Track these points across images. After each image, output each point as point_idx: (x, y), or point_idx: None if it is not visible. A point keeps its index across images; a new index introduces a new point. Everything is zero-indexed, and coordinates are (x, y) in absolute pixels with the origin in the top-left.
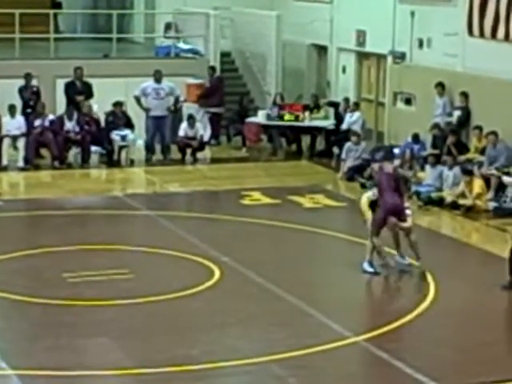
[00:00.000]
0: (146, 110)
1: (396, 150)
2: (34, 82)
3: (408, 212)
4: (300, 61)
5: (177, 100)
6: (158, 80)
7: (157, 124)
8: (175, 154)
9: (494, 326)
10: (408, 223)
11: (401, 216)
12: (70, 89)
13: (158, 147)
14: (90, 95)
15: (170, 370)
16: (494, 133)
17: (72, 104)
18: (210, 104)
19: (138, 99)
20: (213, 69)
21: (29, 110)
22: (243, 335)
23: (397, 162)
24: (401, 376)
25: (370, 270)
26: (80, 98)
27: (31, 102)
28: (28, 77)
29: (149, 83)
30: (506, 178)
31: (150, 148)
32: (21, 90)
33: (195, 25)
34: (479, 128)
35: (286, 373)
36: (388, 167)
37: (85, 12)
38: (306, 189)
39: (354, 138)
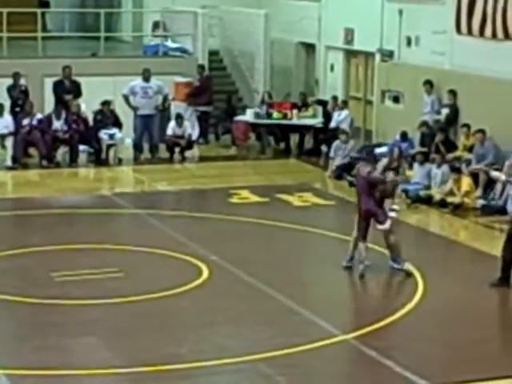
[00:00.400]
0: (134, 109)
1: (382, 149)
2: (23, 81)
3: (392, 214)
4: (288, 59)
5: (165, 99)
6: (146, 79)
7: (145, 123)
8: (163, 152)
9: (483, 324)
10: (384, 226)
11: (376, 218)
12: (58, 88)
13: (146, 146)
14: (79, 94)
15: (158, 369)
16: (482, 131)
17: (60, 103)
18: (198, 103)
19: (126, 98)
20: (202, 67)
21: (17, 109)
22: (232, 334)
23: (385, 160)
24: (390, 374)
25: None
26: (68, 96)
27: (20, 101)
28: (16, 76)
29: (137, 82)
30: (493, 173)
31: (138, 147)
32: (9, 89)
33: (183, 23)
34: (467, 126)
35: (275, 371)
36: (363, 171)
37: (73, 11)
38: (294, 187)
39: (342, 137)
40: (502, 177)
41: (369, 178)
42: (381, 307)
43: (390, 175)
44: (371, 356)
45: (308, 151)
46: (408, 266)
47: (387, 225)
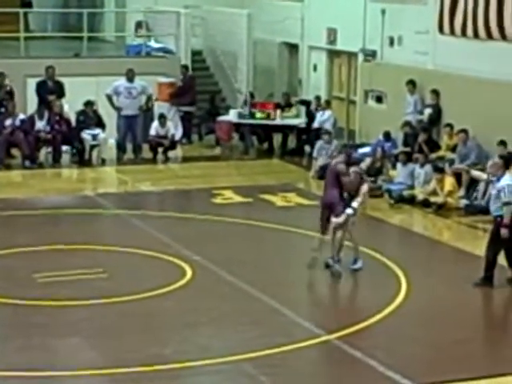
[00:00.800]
0: (118, 109)
1: (366, 149)
2: (7, 82)
3: (348, 211)
4: (271, 59)
5: (149, 99)
6: (130, 79)
7: (128, 123)
8: (147, 153)
9: (467, 324)
10: (337, 219)
11: (333, 211)
12: (41, 88)
13: (129, 146)
14: (62, 94)
15: (143, 370)
16: (465, 131)
17: (43, 103)
18: (182, 103)
19: (109, 98)
20: (186, 68)
21: (2, 110)
22: (215, 334)
23: (368, 160)
24: (373, 374)
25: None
26: (52, 97)
27: (5, 101)
28: (1, 76)
29: (121, 82)
30: (474, 172)
31: (121, 147)
32: None
33: (166, 23)
34: (450, 126)
35: (258, 371)
36: (334, 162)
37: (55, 11)
38: (277, 187)
39: (325, 137)
40: (483, 176)
41: (336, 168)
42: (364, 307)
43: (365, 187)
44: (354, 356)
45: (291, 151)
46: (338, 268)
47: (340, 219)
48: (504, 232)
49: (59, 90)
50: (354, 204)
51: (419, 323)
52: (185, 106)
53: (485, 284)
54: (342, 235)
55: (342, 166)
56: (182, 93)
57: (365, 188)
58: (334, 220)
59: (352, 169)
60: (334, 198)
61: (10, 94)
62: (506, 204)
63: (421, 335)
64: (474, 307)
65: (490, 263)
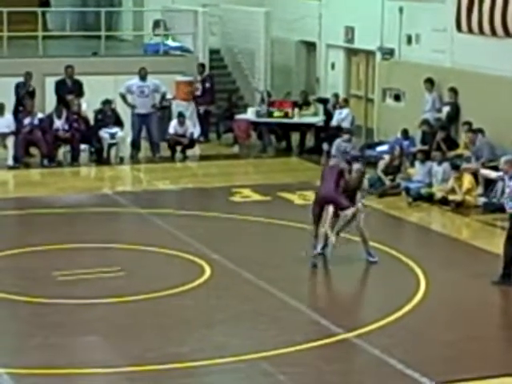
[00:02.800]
0: (132, 107)
1: (384, 147)
2: (32, 83)
3: (359, 204)
4: (289, 57)
5: (163, 97)
6: (143, 77)
7: (143, 121)
8: (165, 151)
9: (485, 322)
10: (347, 212)
11: (338, 204)
12: (60, 87)
13: (146, 144)
14: (81, 94)
15: (160, 368)
16: (472, 130)
17: (62, 102)
18: (201, 102)
19: (123, 96)
20: (202, 66)
21: (21, 108)
22: (233, 332)
23: (386, 157)
24: (392, 372)
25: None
26: (70, 96)
27: (24, 100)
28: (28, 76)
29: (134, 81)
30: (483, 171)
31: (135, 145)
32: (17, 86)
33: (184, 22)
34: (468, 124)
35: (276, 370)
36: (333, 161)
37: (73, 10)
38: (295, 185)
39: (345, 136)
40: (492, 174)
41: (340, 166)
42: (382, 305)
43: (359, 205)
44: (373, 354)
45: (309, 149)
46: (315, 261)
47: (350, 211)
48: None
49: (78, 90)
50: (363, 200)
51: (438, 321)
52: (204, 104)
53: (503, 282)
54: (326, 230)
55: (345, 164)
56: (202, 93)
57: (365, 183)
58: (345, 212)
59: (355, 166)
60: (336, 193)
61: (32, 94)
62: None
63: (439, 333)
64: (493, 305)
65: (508, 261)
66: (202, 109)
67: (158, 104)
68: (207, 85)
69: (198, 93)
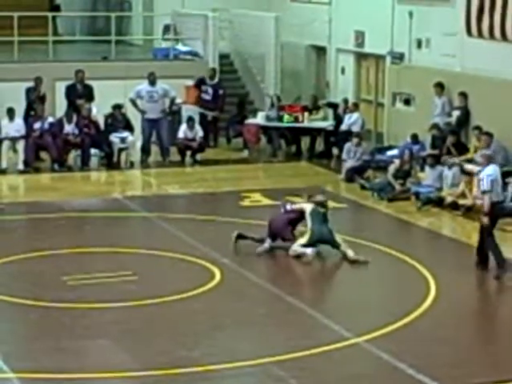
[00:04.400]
0: (142, 112)
1: (394, 151)
2: (42, 88)
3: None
4: (299, 62)
5: (172, 102)
6: (152, 82)
7: (152, 126)
8: (174, 155)
9: (496, 326)
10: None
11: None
12: (70, 92)
13: (156, 149)
14: (91, 98)
15: (171, 372)
16: (488, 134)
17: (72, 107)
18: (210, 108)
19: (133, 102)
20: (214, 71)
21: (32, 113)
22: (244, 337)
23: (396, 162)
24: (402, 377)
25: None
26: (81, 101)
27: (35, 105)
28: (38, 80)
29: (143, 86)
30: (467, 166)
31: (145, 150)
32: (28, 91)
33: (194, 27)
34: (479, 128)
35: (287, 374)
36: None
37: (83, 15)
38: (305, 190)
39: (355, 140)
40: (475, 169)
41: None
42: (393, 310)
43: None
44: (383, 359)
45: (319, 154)
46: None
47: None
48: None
49: (88, 94)
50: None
51: (448, 325)
52: (214, 110)
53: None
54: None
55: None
56: (212, 98)
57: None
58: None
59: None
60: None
61: (42, 98)
62: (484, 192)
63: (450, 338)
64: (503, 309)
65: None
66: (210, 114)
67: (167, 109)
68: (220, 91)
69: (208, 97)
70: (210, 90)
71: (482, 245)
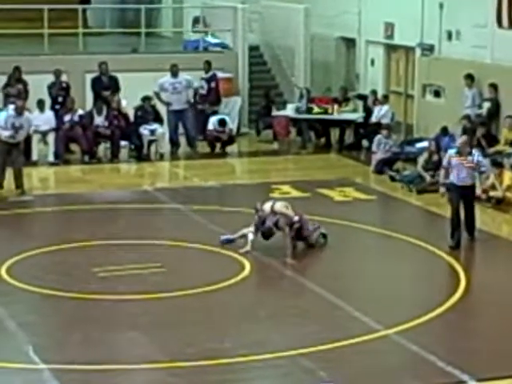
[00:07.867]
0: (167, 104)
1: (424, 143)
2: (64, 78)
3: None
4: (328, 54)
5: (195, 93)
6: (174, 74)
7: (178, 118)
8: (204, 147)
9: None
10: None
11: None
12: (96, 84)
13: (183, 140)
14: (117, 89)
15: (201, 364)
16: None
17: (100, 99)
18: (209, 102)
19: (157, 95)
20: (209, 64)
21: (57, 107)
22: (273, 328)
23: (425, 154)
24: (432, 369)
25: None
26: (106, 93)
27: (60, 98)
28: (57, 72)
29: (166, 78)
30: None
31: (174, 141)
32: (49, 87)
33: (223, 18)
34: (511, 117)
35: (317, 366)
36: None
37: (113, 7)
38: (335, 182)
39: (384, 132)
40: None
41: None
42: (423, 302)
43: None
44: (413, 351)
45: (349, 146)
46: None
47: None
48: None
49: (114, 85)
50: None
51: (479, 318)
52: (209, 104)
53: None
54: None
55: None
56: (207, 92)
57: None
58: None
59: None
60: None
61: (66, 90)
62: None
63: (481, 330)
64: None
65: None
66: (207, 107)
67: (191, 99)
68: (212, 84)
69: (204, 92)
70: (205, 84)
71: None
